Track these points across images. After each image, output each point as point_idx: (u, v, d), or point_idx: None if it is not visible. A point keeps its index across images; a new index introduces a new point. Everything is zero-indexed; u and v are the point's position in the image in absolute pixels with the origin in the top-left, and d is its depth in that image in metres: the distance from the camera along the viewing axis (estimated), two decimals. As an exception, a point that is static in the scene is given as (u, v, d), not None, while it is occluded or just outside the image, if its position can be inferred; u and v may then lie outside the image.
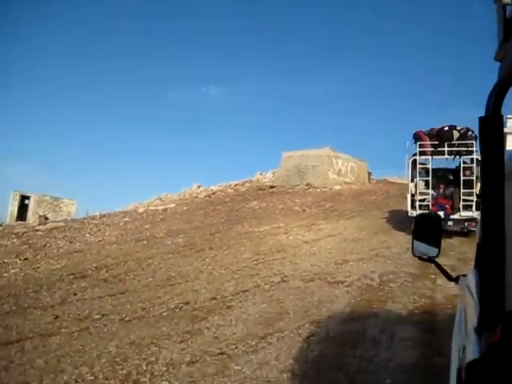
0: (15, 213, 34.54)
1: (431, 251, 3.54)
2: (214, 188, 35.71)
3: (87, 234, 22.27)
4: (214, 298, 10.78)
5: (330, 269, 12.45)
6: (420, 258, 3.64)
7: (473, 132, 17.15)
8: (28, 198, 35.53)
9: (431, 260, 3.52)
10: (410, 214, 17.06)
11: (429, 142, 17.60)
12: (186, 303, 10.57)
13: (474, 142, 16.96)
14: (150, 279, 13.47)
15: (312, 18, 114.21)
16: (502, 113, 1.83)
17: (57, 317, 10.28)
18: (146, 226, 23.20)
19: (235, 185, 36.24)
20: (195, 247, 17.48)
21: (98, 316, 10.14)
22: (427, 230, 3.73)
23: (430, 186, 17.55)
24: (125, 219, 25.59)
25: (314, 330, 7.87)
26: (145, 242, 19.40)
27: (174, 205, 29.38)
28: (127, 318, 9.84)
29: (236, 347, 7.42)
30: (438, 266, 3.48)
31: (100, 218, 26.57)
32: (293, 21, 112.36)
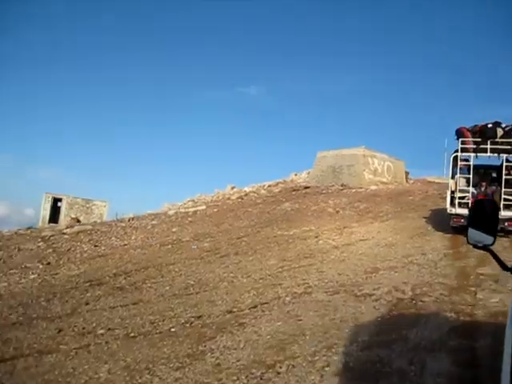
0: (47, 215, 34.03)
1: (486, 239, 3.39)
2: (248, 189, 34.70)
3: (113, 238, 21.54)
4: (230, 312, 9.77)
5: (359, 278, 11.22)
6: (475, 246, 3.52)
7: None
8: (60, 200, 34.95)
9: (486, 248, 3.40)
10: (448, 211, 16.49)
11: (471, 139, 16.87)
12: (199, 317, 9.60)
13: None
14: (168, 288, 12.60)
15: (349, 14, 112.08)
16: None
17: (60, 330, 9.52)
18: (174, 229, 22.31)
19: (269, 186, 35.15)
20: (220, 252, 16.56)
21: (102, 331, 9.29)
22: (483, 217, 3.53)
23: (471, 184, 16.82)
24: (153, 222, 24.72)
25: (330, 357, 6.66)
26: (169, 247, 18.58)
27: (204, 207, 28.43)
28: (132, 334, 8.96)
29: (237, 378, 6.27)
30: (493, 254, 3.34)
31: (128, 220, 25.75)
32: (329, 17, 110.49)
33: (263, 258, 15.00)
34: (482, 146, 16.76)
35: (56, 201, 34.51)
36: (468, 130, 17.11)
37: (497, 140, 16.56)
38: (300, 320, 8.44)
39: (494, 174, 17.65)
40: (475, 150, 17.01)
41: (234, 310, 9.89)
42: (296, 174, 38.42)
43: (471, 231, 3.53)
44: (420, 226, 18.24)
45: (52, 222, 33.15)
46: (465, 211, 15.05)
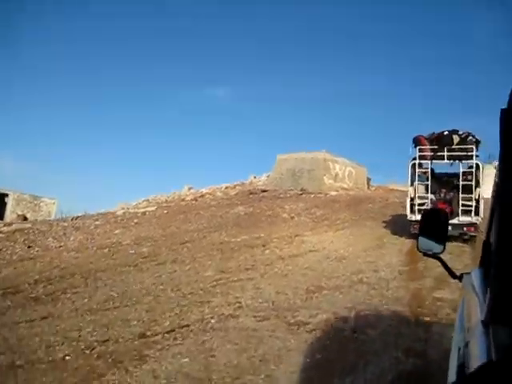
0: (-9, 211, 31.67)
1: (436, 247, 3.44)
2: (205, 190, 32.90)
3: (50, 238, 19.62)
4: (142, 335, 8.09)
5: (297, 300, 9.52)
6: (425, 254, 3.53)
7: (473, 137, 16.83)
8: (7, 195, 32.56)
9: (435, 256, 3.45)
10: (408, 218, 16.54)
11: (428, 147, 17.19)
12: (104, 341, 7.89)
13: (473, 146, 16.56)
14: (86, 300, 10.88)
15: (311, 18, 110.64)
16: None
17: None
18: (117, 231, 20.47)
19: (226, 188, 33.37)
20: (157, 259, 14.84)
21: (-16, 357, 7.38)
22: (434, 225, 3.58)
23: (429, 191, 17.19)
24: (97, 222, 22.81)
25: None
26: (106, 250, 16.79)
27: (155, 208, 26.58)
28: (18, 362, 7.13)
29: None
30: (442, 263, 3.45)
31: (72, 219, 23.81)
32: (291, 20, 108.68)
33: (201, 267, 13.30)
34: (438, 154, 17.00)
35: (2, 196, 32.17)
36: (425, 138, 17.40)
37: (453, 147, 16.78)
38: (213, 356, 6.67)
39: (455, 182, 17.49)
40: (432, 158, 17.36)
41: (148, 333, 8.21)
42: (255, 177, 36.63)
43: (421, 239, 3.55)
44: (377, 237, 16.69)
45: (-4, 218, 30.99)
46: None
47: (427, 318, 8.05)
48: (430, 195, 17.07)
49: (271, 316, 8.45)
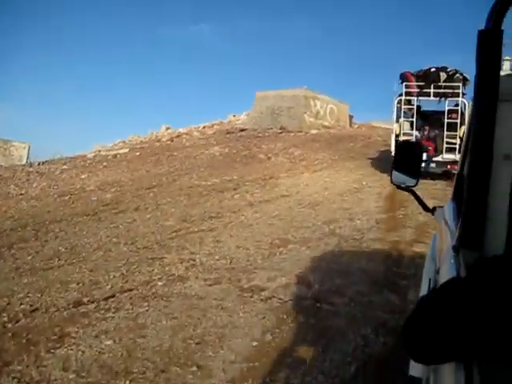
0: (-41, 155, 29.89)
1: (409, 181, 3.36)
2: (182, 130, 31.37)
3: (12, 186, 18.33)
4: (77, 304, 6.79)
5: (258, 257, 8.21)
6: (398, 187, 3.45)
7: (461, 74, 16.63)
8: (-25, 139, 30.72)
9: (409, 189, 3.41)
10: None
11: (415, 83, 17.02)
12: (31, 312, 6.61)
13: (460, 84, 16.43)
14: (31, 257, 9.65)
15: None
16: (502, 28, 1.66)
17: None
18: (83, 176, 19.17)
19: (203, 127, 31.81)
20: (119, 207, 13.67)
21: None
22: (408, 159, 3.47)
23: (415, 127, 17.05)
24: (64, 167, 21.41)
25: None
26: (67, 198, 15.54)
27: (127, 150, 25.15)
28: None
29: None
30: (415, 196, 3.42)
31: (38, 165, 22.40)
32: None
33: (163, 216, 12.09)
34: (425, 90, 16.93)
35: (-30, 139, 30.34)
36: (412, 74, 17.23)
37: (440, 84, 16.68)
38: (143, 337, 5.37)
39: (442, 119, 16.90)
40: (419, 94, 17.26)
41: (85, 299, 6.96)
42: (234, 116, 34.95)
43: (395, 173, 3.41)
44: (355, 180, 15.38)
45: (-36, 162, 29.32)
46: None
47: (404, 282, 6.77)
48: (414, 132, 16.91)
49: (224, 279, 7.14)
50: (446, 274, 1.82)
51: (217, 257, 8.37)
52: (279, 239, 9.12)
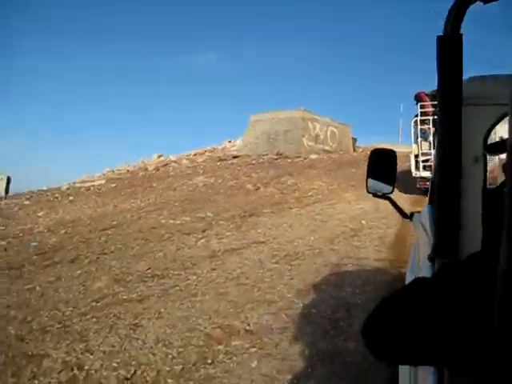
0: None
1: (385, 188, 3.14)
2: (172, 158, 28.24)
3: None
4: None
5: (169, 375, 4.88)
6: (374, 195, 3.17)
7: None
8: None
9: (385, 197, 3.14)
10: (414, 175, 16.15)
11: (430, 103, 16.23)
12: None
13: None
14: None
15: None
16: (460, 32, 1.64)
17: None
18: (40, 214, 16.06)
19: (195, 154, 28.60)
20: (55, 256, 10.80)
21: None
22: (382, 166, 3.20)
23: (432, 147, 15.70)
24: (26, 202, 18.32)
25: None
26: (4, 243, 12.45)
27: (103, 181, 22.00)
28: None
29: None
30: (393, 203, 3.18)
31: (0, 199, 19.36)
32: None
33: (97, 272, 8.92)
34: None
35: None
36: (426, 94, 16.61)
37: None
38: None
39: None
40: (434, 113, 15.62)
41: None
42: (230, 141, 31.69)
43: (370, 181, 3.19)
44: (353, 217, 11.87)
45: None
46: (428, 174, 14.67)
47: None
48: (432, 151, 15.40)
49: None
50: None
51: (114, 363, 5.05)
52: (222, 327, 5.68)
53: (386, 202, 3.40)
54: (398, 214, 3.31)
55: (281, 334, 5.34)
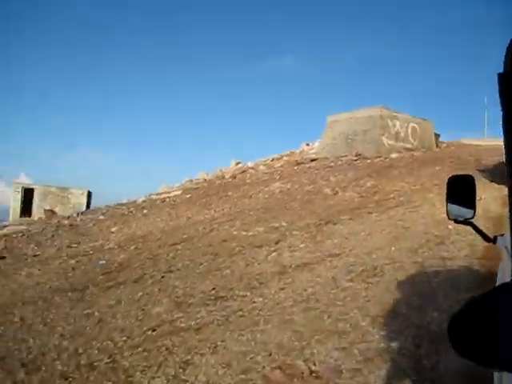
0: (18, 208, 27.35)
1: (467, 213, 3.01)
2: (250, 164, 27.60)
3: (32, 245, 15.44)
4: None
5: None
6: (456, 221, 3.09)
7: None
8: (33, 190, 28.11)
9: (467, 222, 3.03)
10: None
11: None
12: None
13: None
14: None
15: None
16: None
17: None
18: (113, 229, 15.79)
19: (272, 160, 27.79)
20: (119, 276, 10.55)
21: None
22: (461, 191, 3.08)
23: None
24: (100, 217, 18.09)
25: None
26: (73, 261, 12.51)
27: (180, 192, 21.64)
28: None
29: None
30: (475, 228, 3.05)
31: (77, 215, 19.24)
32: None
33: (159, 295, 8.30)
34: None
35: (30, 191, 27.78)
36: None
37: None
38: None
39: None
40: None
41: None
42: (308, 144, 30.63)
43: (450, 206, 3.07)
44: (438, 221, 10.50)
45: (24, 214, 26.78)
46: None
47: None
48: None
49: None
50: None
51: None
52: (283, 368, 4.69)
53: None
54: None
55: (351, 379, 4.33)
